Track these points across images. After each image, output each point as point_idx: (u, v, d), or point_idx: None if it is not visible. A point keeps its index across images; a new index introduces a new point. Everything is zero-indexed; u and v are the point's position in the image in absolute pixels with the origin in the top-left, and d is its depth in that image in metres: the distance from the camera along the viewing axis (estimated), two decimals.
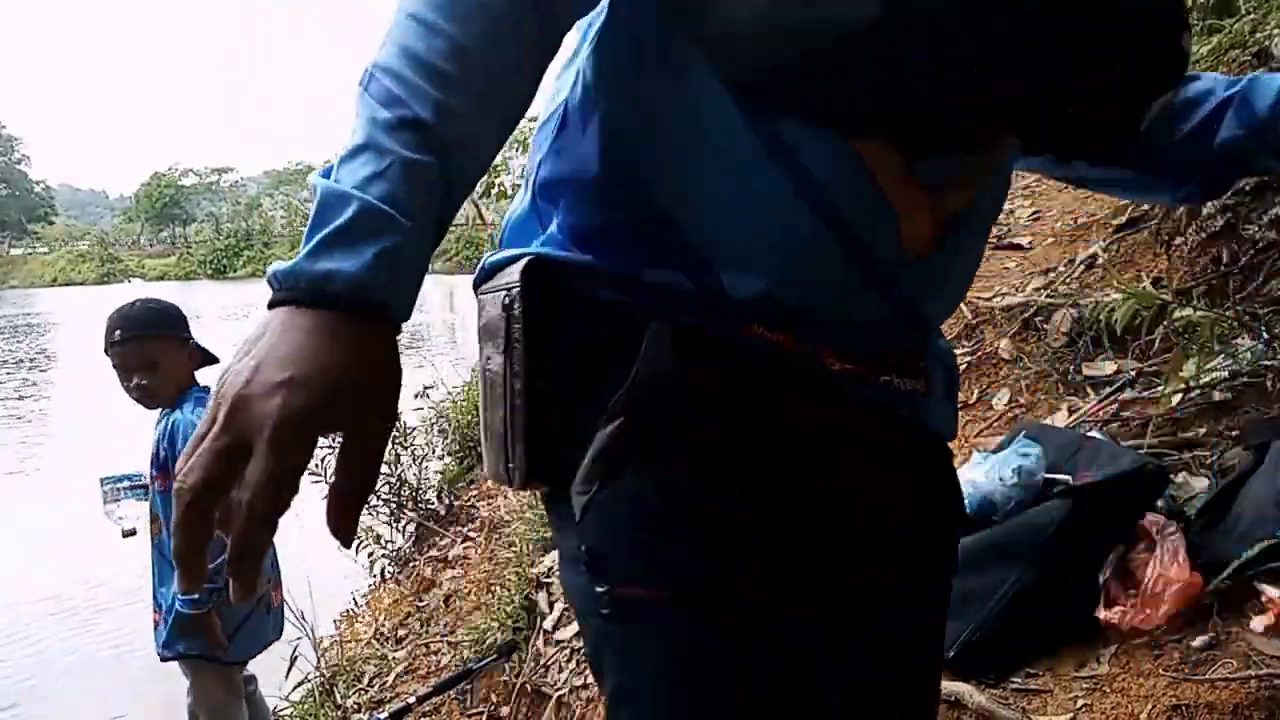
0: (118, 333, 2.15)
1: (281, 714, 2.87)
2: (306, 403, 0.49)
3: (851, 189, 0.62)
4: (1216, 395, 1.77)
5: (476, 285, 0.73)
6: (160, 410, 2.27)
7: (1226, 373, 1.77)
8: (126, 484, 2.38)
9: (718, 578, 0.61)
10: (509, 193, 9.18)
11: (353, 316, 0.52)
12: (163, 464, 2.22)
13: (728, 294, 0.64)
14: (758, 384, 0.65)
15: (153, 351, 2.18)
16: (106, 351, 2.19)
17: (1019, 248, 2.82)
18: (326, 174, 0.55)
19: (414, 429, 4.44)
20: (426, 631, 3.11)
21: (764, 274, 0.64)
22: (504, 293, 0.66)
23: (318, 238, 0.53)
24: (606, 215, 0.67)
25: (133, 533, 2.37)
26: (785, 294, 0.64)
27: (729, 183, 0.63)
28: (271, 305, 0.53)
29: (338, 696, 2.87)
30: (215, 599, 2.15)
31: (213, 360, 2.30)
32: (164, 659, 2.29)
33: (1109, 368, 2.02)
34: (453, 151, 0.56)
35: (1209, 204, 1.92)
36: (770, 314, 0.65)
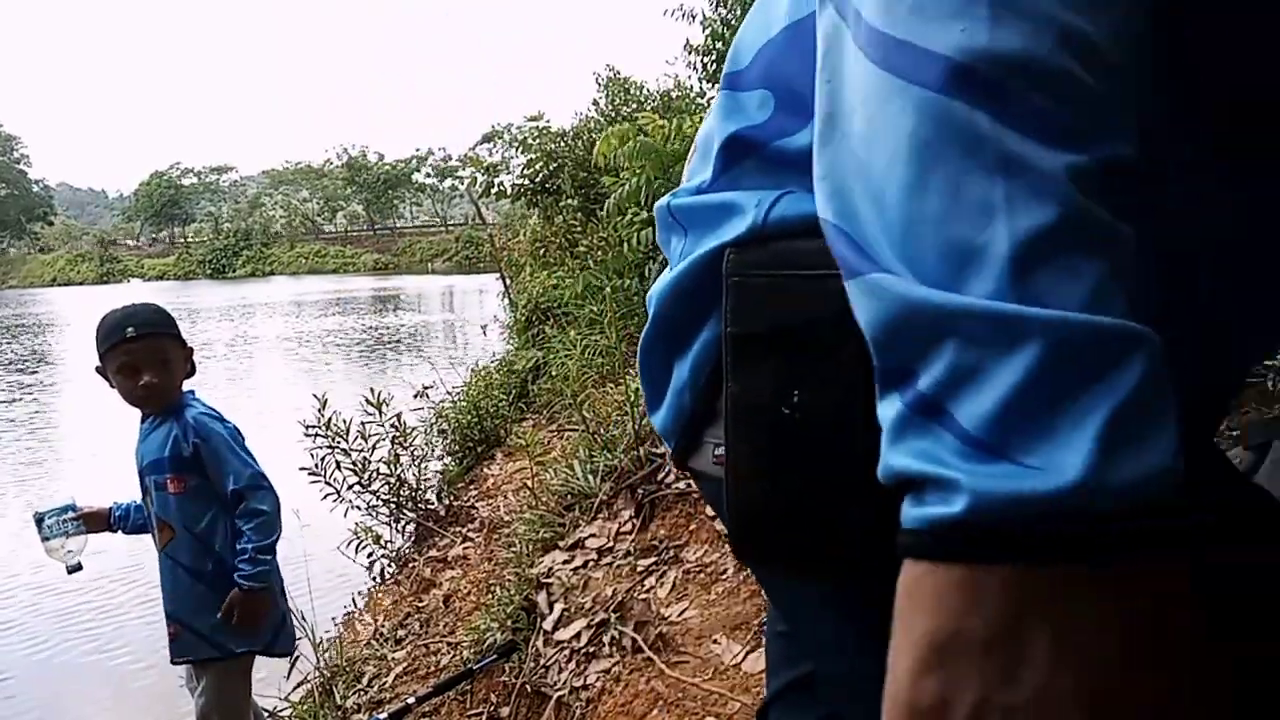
0: (130, 330, 2.10)
1: (281, 714, 2.86)
2: None
3: None
4: None
5: None
6: (149, 418, 2.22)
7: None
8: (71, 515, 2.24)
9: None
10: (508, 193, 9.14)
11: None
12: (186, 464, 2.14)
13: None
14: None
15: (165, 349, 2.15)
16: (110, 351, 2.12)
17: None
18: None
19: (414, 429, 4.44)
20: (426, 632, 3.11)
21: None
22: None
23: (1094, 427, 0.30)
24: None
25: (78, 568, 2.23)
26: None
27: None
28: (979, 558, 0.32)
29: (337, 697, 2.86)
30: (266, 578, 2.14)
31: (193, 372, 2.25)
32: (193, 660, 2.18)
33: None
34: None
35: None
36: None
